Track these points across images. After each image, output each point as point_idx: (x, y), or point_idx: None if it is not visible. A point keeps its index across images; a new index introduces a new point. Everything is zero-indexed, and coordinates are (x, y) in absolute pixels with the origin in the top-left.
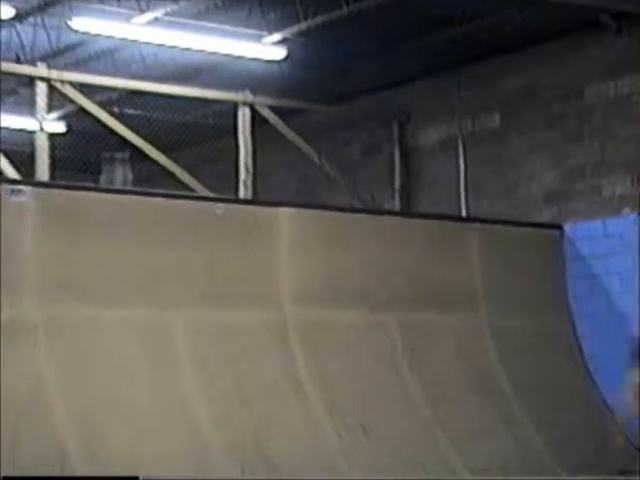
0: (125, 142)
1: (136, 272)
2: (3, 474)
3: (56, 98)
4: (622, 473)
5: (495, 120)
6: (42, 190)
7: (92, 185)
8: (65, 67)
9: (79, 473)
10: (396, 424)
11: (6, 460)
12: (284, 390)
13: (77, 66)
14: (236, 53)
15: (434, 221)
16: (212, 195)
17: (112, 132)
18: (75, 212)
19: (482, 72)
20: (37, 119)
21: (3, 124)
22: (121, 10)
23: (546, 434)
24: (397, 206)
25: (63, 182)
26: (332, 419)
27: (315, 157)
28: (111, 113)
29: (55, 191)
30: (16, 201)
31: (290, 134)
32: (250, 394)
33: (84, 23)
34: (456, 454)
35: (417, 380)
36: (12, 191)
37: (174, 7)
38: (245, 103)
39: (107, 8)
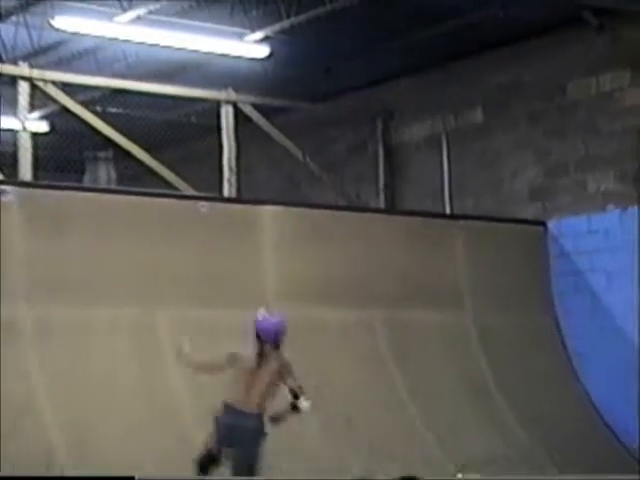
0: (108, 141)
1: (122, 271)
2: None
3: (38, 97)
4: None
5: (478, 116)
6: (26, 190)
7: (77, 184)
8: (47, 66)
9: (66, 474)
10: (381, 420)
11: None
12: None
13: (59, 65)
14: (219, 51)
15: (419, 218)
16: (196, 194)
17: (95, 131)
18: (60, 212)
19: (465, 69)
20: (19, 118)
21: None
22: (103, 9)
23: (530, 429)
24: (382, 204)
25: (47, 182)
26: (317, 414)
27: (299, 155)
28: (94, 112)
29: (39, 191)
30: (1, 201)
31: (274, 132)
32: None
33: (66, 22)
34: (440, 449)
35: (403, 376)
36: None
37: (156, 5)
38: (228, 101)
39: (89, 7)
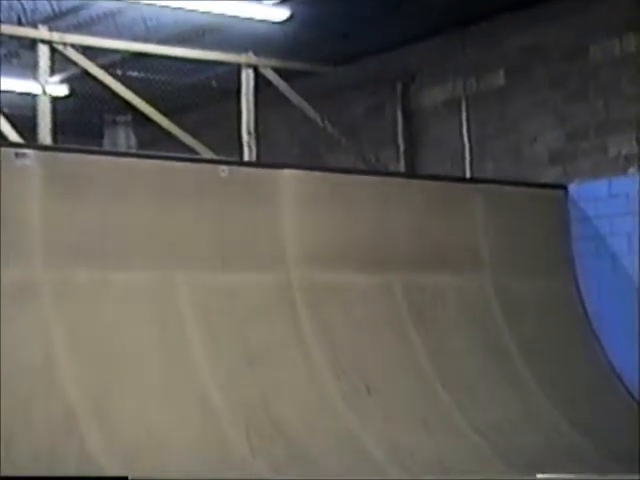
0: (128, 105)
1: (141, 235)
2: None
3: (58, 61)
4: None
5: (500, 79)
6: (46, 153)
7: (97, 148)
8: (67, 30)
9: (87, 439)
10: (401, 385)
11: (19, 426)
12: (290, 352)
13: (79, 29)
14: (239, 14)
15: (438, 182)
16: (216, 157)
17: (115, 95)
18: (80, 175)
19: (487, 30)
20: (39, 82)
21: (5, 87)
22: None
23: (551, 393)
24: (402, 167)
25: (67, 145)
26: (338, 380)
27: (318, 119)
28: (114, 76)
29: (60, 154)
30: (20, 165)
31: (293, 96)
32: (257, 356)
33: None
34: (460, 414)
35: (422, 341)
36: (16, 154)
37: None
38: (249, 65)
39: None
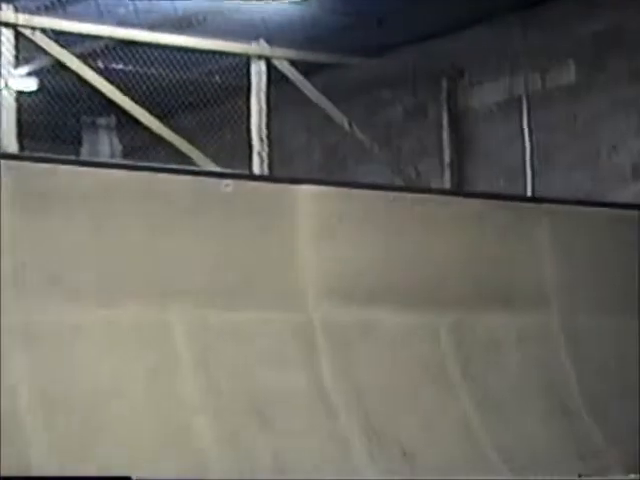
0: (111, 104)
1: (127, 263)
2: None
3: (25, 49)
4: None
5: (570, 74)
6: (10, 163)
7: (72, 157)
8: (36, 11)
9: None
10: (444, 448)
11: None
12: (308, 406)
13: (51, 10)
14: None
15: (492, 201)
16: (219, 170)
17: (95, 92)
18: (52, 190)
19: (554, 14)
20: (1, 75)
21: None
22: None
23: (627, 461)
24: (447, 183)
25: (36, 153)
26: (367, 441)
27: (345, 123)
28: (94, 68)
29: (26, 164)
30: None
31: (314, 94)
32: (267, 410)
33: None
34: None
35: (471, 396)
36: None
37: None
38: (260, 56)
39: None
